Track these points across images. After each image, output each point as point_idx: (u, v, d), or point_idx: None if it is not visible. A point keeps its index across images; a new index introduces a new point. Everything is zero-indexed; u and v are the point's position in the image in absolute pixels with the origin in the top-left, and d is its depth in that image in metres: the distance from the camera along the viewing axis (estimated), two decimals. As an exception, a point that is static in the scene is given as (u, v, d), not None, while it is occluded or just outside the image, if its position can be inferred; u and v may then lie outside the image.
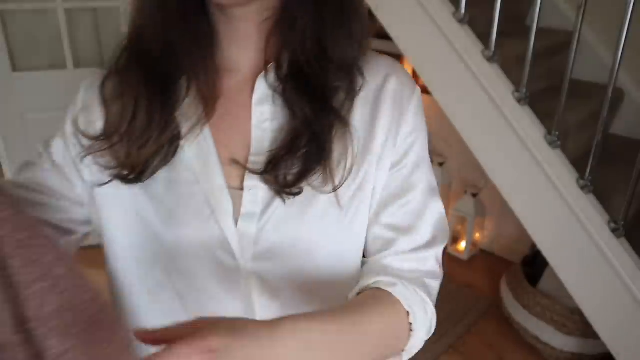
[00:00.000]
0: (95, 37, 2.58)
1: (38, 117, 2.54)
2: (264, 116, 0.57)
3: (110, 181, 0.57)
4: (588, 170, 1.49)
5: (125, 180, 0.56)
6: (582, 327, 1.99)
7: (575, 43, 1.44)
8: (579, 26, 1.42)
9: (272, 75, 0.57)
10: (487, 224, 2.86)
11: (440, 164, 2.80)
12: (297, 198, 0.55)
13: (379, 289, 0.56)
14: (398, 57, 2.90)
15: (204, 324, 0.41)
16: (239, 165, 0.56)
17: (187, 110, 0.56)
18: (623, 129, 2.14)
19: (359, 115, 0.58)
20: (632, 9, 1.33)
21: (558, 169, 1.53)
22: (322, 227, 0.58)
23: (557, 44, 2.02)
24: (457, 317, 2.36)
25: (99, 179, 0.58)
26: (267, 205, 0.56)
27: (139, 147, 0.54)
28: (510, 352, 2.18)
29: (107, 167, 0.56)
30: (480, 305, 2.44)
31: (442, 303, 2.24)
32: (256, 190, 0.56)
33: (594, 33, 2.16)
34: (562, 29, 2.16)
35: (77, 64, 2.53)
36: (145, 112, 0.54)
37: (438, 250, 0.64)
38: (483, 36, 1.61)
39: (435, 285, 0.64)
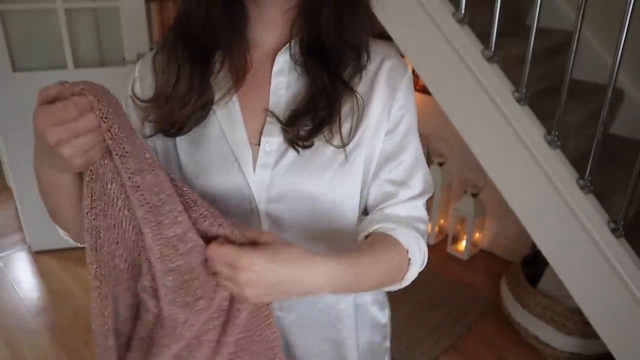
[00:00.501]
0: (95, 37, 2.58)
1: (38, 117, 2.54)
2: (280, 85, 0.71)
3: (155, 134, 0.71)
4: (588, 170, 1.49)
5: (167, 134, 0.71)
6: (582, 327, 1.99)
7: (575, 43, 1.44)
8: (578, 26, 1.42)
9: (296, 50, 0.71)
10: (487, 224, 2.87)
11: (440, 164, 2.80)
12: (306, 151, 0.69)
13: (383, 233, 0.70)
14: (398, 57, 2.90)
15: (268, 238, 0.57)
16: (259, 123, 0.71)
17: (221, 80, 0.70)
18: (623, 129, 2.14)
19: (360, 87, 0.71)
20: (632, 9, 1.33)
21: (558, 169, 1.53)
22: (325, 176, 0.70)
23: (557, 44, 2.02)
24: (457, 317, 2.36)
25: (148, 132, 0.72)
26: (280, 157, 0.70)
27: (180, 107, 0.68)
28: (510, 352, 2.18)
29: (155, 122, 0.71)
30: (480, 305, 2.44)
31: (442, 303, 2.27)
32: (271, 144, 0.70)
33: (594, 33, 2.17)
34: (562, 29, 2.16)
35: (77, 64, 2.53)
36: (187, 79, 0.68)
37: (425, 199, 0.77)
38: (483, 36, 1.61)
39: (424, 227, 0.76)
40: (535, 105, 1.59)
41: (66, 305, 2.43)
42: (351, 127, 0.70)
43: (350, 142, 0.69)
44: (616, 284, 1.49)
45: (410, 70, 0.77)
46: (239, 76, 0.70)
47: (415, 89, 3.09)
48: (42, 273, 2.66)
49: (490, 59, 1.58)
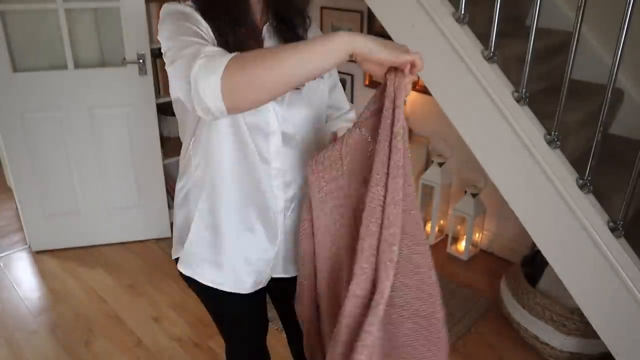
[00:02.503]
0: (96, 37, 2.58)
1: (38, 117, 2.54)
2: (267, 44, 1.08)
3: None
4: (588, 170, 1.49)
5: None
6: (581, 327, 2.00)
7: (574, 43, 1.44)
8: (578, 26, 1.42)
9: (271, 23, 1.09)
10: (487, 224, 2.87)
11: (440, 164, 2.80)
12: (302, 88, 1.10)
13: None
14: (398, 57, 2.90)
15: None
16: None
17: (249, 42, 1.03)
18: (623, 129, 2.14)
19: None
20: (632, 9, 1.33)
21: (558, 169, 1.53)
22: (315, 95, 1.13)
23: (557, 44, 2.02)
24: (457, 317, 2.36)
25: None
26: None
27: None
28: (510, 352, 2.18)
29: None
30: (480, 305, 2.44)
31: (442, 303, 2.25)
32: None
33: (594, 33, 2.17)
34: (562, 29, 2.16)
35: (77, 64, 2.53)
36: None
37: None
38: (483, 36, 1.61)
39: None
40: (535, 105, 1.59)
41: (66, 305, 2.43)
42: None
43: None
44: (616, 284, 1.49)
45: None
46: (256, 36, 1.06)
47: (415, 89, 3.10)
48: (43, 273, 2.66)
49: (490, 59, 1.58)
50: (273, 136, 1.07)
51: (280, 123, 1.07)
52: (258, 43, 1.05)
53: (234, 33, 0.98)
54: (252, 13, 1.04)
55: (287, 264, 1.22)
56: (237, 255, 1.14)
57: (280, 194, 1.12)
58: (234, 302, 1.22)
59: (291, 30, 1.08)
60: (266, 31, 1.08)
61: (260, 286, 1.22)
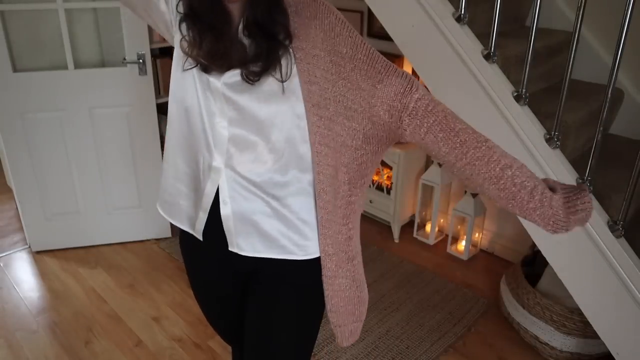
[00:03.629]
0: (96, 37, 2.58)
1: (38, 117, 2.54)
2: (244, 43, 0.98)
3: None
4: (587, 170, 1.49)
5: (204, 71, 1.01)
6: (581, 326, 2.00)
7: (574, 43, 1.44)
8: (578, 26, 1.42)
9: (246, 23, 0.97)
10: (487, 224, 2.87)
11: (440, 164, 2.80)
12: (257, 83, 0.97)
13: None
14: (398, 57, 2.91)
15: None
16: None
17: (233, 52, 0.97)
18: (623, 129, 2.14)
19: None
20: (632, 9, 1.33)
21: (557, 169, 1.53)
22: (265, 99, 0.98)
23: (557, 44, 2.03)
24: (457, 317, 2.36)
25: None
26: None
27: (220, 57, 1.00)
28: (510, 352, 2.18)
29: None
30: (480, 305, 2.44)
31: (442, 303, 2.27)
32: (235, 77, 0.97)
33: (594, 33, 2.17)
34: (562, 29, 2.16)
35: (78, 64, 2.53)
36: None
37: None
38: (483, 36, 1.61)
39: None
40: (535, 105, 1.59)
41: (66, 305, 2.43)
42: (288, 71, 0.96)
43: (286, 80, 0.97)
44: (616, 284, 1.49)
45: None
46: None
47: (415, 89, 3.07)
48: (43, 273, 2.66)
49: (490, 59, 1.58)
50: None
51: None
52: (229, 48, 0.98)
53: (210, 40, 0.95)
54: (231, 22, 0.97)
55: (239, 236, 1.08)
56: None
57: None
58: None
59: (266, 36, 0.96)
60: (240, 31, 0.98)
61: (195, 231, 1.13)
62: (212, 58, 0.96)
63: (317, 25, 0.96)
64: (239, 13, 0.96)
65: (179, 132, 1.08)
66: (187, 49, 0.98)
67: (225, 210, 1.05)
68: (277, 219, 1.05)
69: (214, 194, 1.05)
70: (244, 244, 1.08)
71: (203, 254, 1.19)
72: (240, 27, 0.96)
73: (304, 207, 1.05)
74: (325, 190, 1.02)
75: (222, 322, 1.36)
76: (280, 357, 1.15)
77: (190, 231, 1.14)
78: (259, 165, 1.00)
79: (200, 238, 1.12)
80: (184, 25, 0.98)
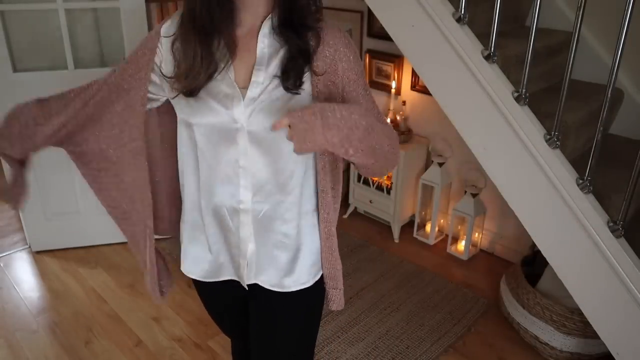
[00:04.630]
0: (96, 37, 2.58)
1: (38, 117, 2.54)
2: (264, 44, 1.01)
3: (177, 95, 1.01)
4: (587, 170, 1.49)
5: (186, 94, 1.00)
6: (581, 326, 2.00)
7: (574, 43, 1.44)
8: (578, 26, 1.42)
9: (275, 21, 1.00)
10: (487, 224, 2.87)
11: (440, 164, 2.80)
12: (275, 93, 1.00)
13: None
14: (398, 57, 2.90)
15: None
16: (247, 71, 1.01)
17: (221, 55, 0.99)
18: (622, 129, 2.14)
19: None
20: (632, 9, 1.33)
21: (557, 169, 1.53)
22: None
23: (557, 44, 2.02)
24: (457, 317, 2.36)
25: (171, 94, 1.03)
26: (261, 93, 1.00)
27: (193, 77, 0.97)
28: (510, 351, 2.18)
29: (176, 89, 1.00)
30: (480, 305, 2.44)
31: (442, 303, 2.27)
32: (255, 87, 1.00)
33: (594, 33, 2.17)
34: (561, 29, 2.16)
35: (78, 64, 2.53)
36: (199, 58, 0.97)
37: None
38: (482, 36, 1.61)
39: None
40: (535, 105, 1.59)
41: (66, 305, 2.43)
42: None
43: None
44: (616, 284, 1.49)
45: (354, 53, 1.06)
46: (231, 51, 0.99)
47: (416, 89, 3.10)
48: (43, 273, 2.66)
49: (489, 59, 1.58)
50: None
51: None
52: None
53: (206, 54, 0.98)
54: (239, 16, 1.00)
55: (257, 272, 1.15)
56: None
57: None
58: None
59: (298, 37, 1.00)
60: (266, 29, 1.01)
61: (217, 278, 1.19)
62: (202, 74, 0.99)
63: (334, 54, 1.02)
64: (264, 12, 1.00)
65: None
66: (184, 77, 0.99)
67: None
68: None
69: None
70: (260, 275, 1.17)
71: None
72: (268, 23, 1.00)
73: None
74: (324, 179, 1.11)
75: (225, 320, 1.39)
76: (285, 352, 1.20)
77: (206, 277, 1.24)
78: None
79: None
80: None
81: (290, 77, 0.98)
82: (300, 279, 1.14)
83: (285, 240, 1.11)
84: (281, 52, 1.00)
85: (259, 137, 1.01)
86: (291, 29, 0.98)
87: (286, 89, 0.98)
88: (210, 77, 0.98)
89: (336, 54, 1.01)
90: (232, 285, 1.19)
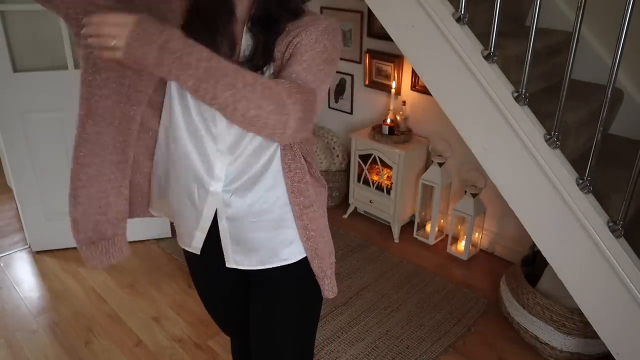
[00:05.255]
0: (96, 37, 2.58)
1: (38, 117, 2.54)
2: (247, 42, 1.02)
3: None
4: (587, 170, 1.49)
5: None
6: (581, 326, 2.00)
7: (574, 43, 1.44)
8: (578, 26, 1.42)
9: (254, 14, 1.01)
10: (487, 224, 2.87)
11: (440, 164, 2.80)
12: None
13: None
14: (398, 57, 2.90)
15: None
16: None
17: (223, 47, 1.00)
18: (622, 129, 2.14)
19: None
20: (632, 9, 1.33)
21: (557, 169, 1.53)
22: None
23: (557, 44, 2.03)
24: (457, 317, 2.36)
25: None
26: None
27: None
28: (510, 351, 2.18)
29: None
30: (480, 305, 2.44)
31: (442, 303, 2.27)
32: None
33: (594, 33, 2.17)
34: (561, 29, 2.16)
35: (78, 64, 2.53)
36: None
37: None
38: (482, 36, 1.61)
39: None
40: (535, 105, 1.59)
41: (66, 305, 2.43)
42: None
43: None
44: (615, 284, 1.49)
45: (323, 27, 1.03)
46: (232, 47, 1.01)
47: (416, 89, 3.10)
48: (43, 273, 2.66)
49: (489, 59, 1.58)
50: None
51: None
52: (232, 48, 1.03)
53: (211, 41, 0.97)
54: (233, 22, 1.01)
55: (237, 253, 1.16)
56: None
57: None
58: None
59: (267, 34, 1.01)
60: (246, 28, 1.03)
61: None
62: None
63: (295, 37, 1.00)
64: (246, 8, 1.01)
65: None
66: None
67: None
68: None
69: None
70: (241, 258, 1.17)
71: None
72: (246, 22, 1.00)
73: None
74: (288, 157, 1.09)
75: (224, 318, 1.40)
76: (284, 346, 1.21)
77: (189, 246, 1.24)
78: None
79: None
80: None
81: (255, 63, 0.99)
82: (282, 256, 1.16)
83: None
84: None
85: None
86: (262, 25, 1.00)
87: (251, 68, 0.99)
88: None
89: (297, 37, 0.99)
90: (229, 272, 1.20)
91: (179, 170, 1.10)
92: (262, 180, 1.08)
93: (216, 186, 1.08)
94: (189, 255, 1.25)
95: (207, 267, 1.25)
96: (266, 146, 1.06)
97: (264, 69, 1.01)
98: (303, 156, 1.10)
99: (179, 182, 1.11)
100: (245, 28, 1.01)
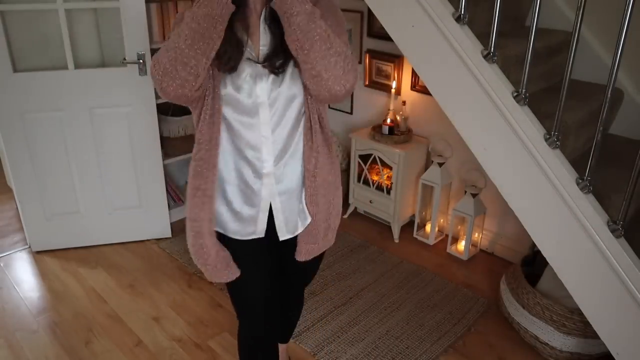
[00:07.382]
0: (96, 38, 2.58)
1: (38, 117, 2.54)
2: (262, 29, 1.21)
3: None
4: (587, 170, 1.49)
5: (226, 71, 1.21)
6: (581, 326, 2.00)
7: (574, 43, 1.44)
8: (578, 26, 1.42)
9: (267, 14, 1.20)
10: (487, 224, 2.87)
11: (440, 164, 2.80)
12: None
13: None
14: (398, 57, 2.90)
15: None
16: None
17: (242, 38, 1.21)
18: (622, 129, 2.14)
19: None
20: (632, 9, 1.33)
21: (557, 169, 1.53)
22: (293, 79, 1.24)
23: (557, 44, 2.03)
24: (457, 317, 2.36)
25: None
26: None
27: (228, 58, 1.18)
28: (510, 351, 2.18)
29: (217, 67, 1.20)
30: (480, 305, 2.44)
31: (442, 303, 2.27)
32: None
33: (594, 33, 2.17)
34: (561, 29, 2.16)
35: (78, 65, 2.53)
36: (230, 45, 1.16)
37: None
38: (482, 36, 1.61)
39: None
40: (535, 105, 1.59)
41: (66, 305, 2.43)
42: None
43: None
44: (615, 284, 1.49)
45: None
46: (247, 32, 1.20)
47: (416, 89, 3.10)
48: (43, 273, 2.66)
49: (489, 59, 1.58)
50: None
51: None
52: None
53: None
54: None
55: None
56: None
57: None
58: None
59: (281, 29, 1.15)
60: (262, 21, 1.20)
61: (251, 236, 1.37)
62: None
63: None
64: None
65: None
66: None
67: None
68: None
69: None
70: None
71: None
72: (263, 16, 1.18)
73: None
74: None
75: (269, 294, 1.48)
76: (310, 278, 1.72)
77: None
78: None
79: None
80: None
81: (273, 64, 1.19)
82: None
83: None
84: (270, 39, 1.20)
85: None
86: (278, 22, 1.13)
87: (271, 71, 1.20)
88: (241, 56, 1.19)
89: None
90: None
91: (230, 164, 1.29)
92: (296, 153, 1.29)
93: (267, 167, 1.27)
94: (235, 247, 1.36)
95: (258, 247, 1.38)
96: (296, 122, 1.27)
97: (285, 67, 1.19)
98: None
99: (231, 174, 1.29)
100: (262, 24, 1.19)
